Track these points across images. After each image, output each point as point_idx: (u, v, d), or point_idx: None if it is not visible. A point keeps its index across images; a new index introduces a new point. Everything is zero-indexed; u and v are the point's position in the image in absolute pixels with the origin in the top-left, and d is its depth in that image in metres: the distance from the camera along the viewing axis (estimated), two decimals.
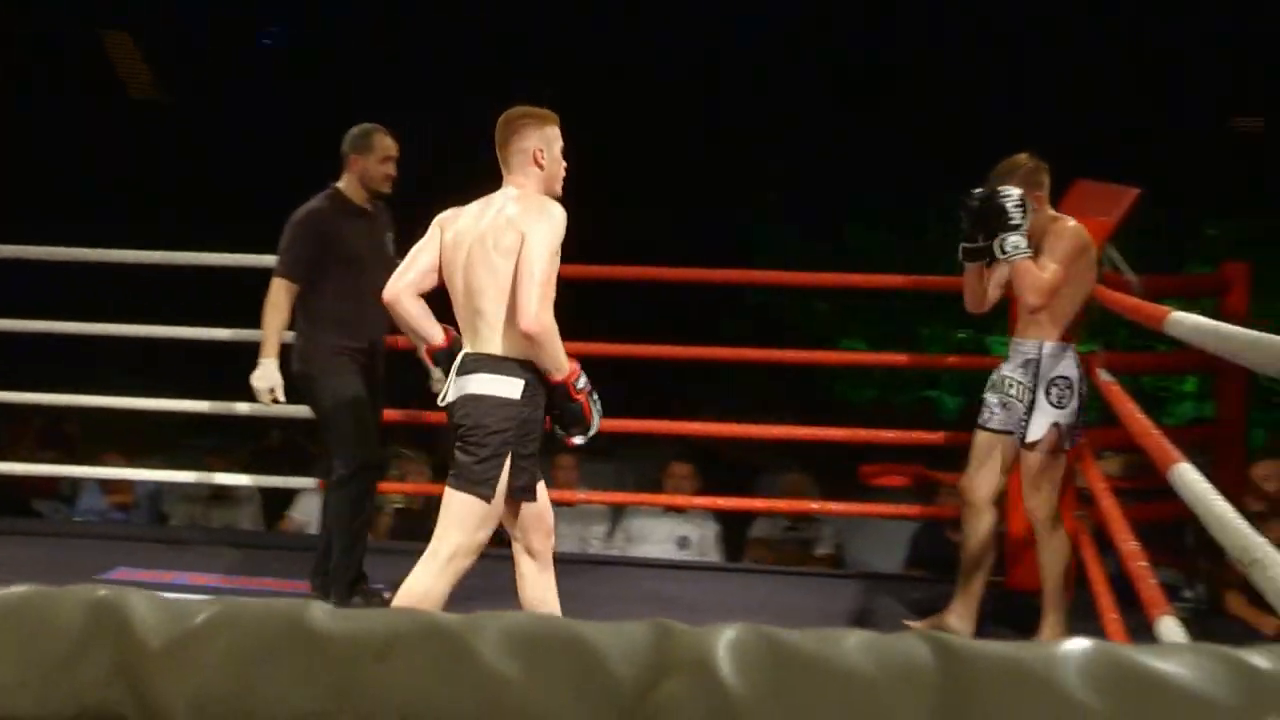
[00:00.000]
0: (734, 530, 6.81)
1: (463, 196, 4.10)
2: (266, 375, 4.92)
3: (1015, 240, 4.44)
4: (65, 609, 0.57)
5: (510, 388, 3.85)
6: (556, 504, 6.70)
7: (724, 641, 0.60)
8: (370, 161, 5.03)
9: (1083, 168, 5.64)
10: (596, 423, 4.02)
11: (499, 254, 3.84)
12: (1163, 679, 0.60)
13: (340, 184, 5.09)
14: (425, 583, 3.89)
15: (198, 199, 12.92)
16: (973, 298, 4.90)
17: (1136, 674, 0.60)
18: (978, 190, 4.64)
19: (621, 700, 0.57)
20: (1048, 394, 4.62)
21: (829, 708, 0.58)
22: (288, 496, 7.05)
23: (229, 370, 8.67)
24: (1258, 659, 0.61)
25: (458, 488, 3.89)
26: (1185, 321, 3.08)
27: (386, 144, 5.06)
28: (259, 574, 5.67)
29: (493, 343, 3.87)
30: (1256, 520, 4.97)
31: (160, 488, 7.43)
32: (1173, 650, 0.62)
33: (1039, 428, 4.63)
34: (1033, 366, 4.67)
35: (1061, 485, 5.07)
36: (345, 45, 13.97)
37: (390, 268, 5.22)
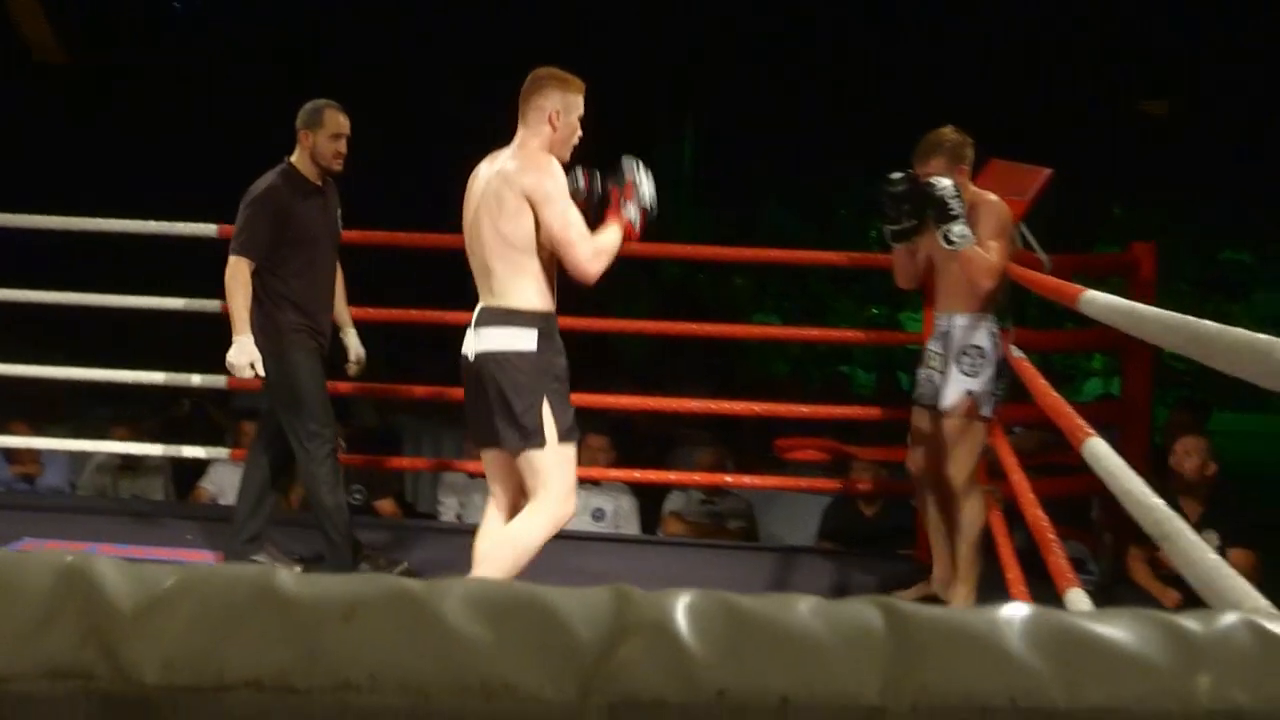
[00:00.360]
0: (649, 503, 6.84)
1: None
2: (245, 350, 4.83)
3: (960, 230, 4.58)
4: (33, 574, 0.57)
5: (525, 339, 3.99)
6: (471, 476, 6.73)
7: (681, 606, 0.61)
8: (320, 137, 4.96)
9: (993, 150, 5.73)
10: (650, 198, 4.14)
11: (501, 215, 3.98)
12: (1101, 642, 0.62)
13: (293, 159, 5.02)
14: (522, 530, 4.05)
15: (104, 164, 12.71)
16: (904, 275, 5.10)
17: (1077, 637, 0.62)
18: (896, 175, 4.75)
19: (583, 662, 0.58)
20: (959, 363, 4.76)
21: (784, 669, 0.60)
22: (198, 467, 6.98)
23: (136, 338, 8.56)
24: (1190, 623, 0.64)
25: (516, 451, 4.05)
26: (1097, 300, 3.14)
27: (338, 121, 5.00)
28: (171, 544, 5.61)
29: (504, 297, 4.01)
30: (1178, 494, 5.13)
31: (70, 458, 7.33)
32: (1111, 615, 0.64)
33: (951, 395, 4.78)
34: (947, 338, 4.81)
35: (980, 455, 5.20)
36: (260, 12, 13.77)
37: (339, 245, 5.21)
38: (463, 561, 4.15)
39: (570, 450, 4.10)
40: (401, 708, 0.56)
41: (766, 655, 0.59)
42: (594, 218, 4.13)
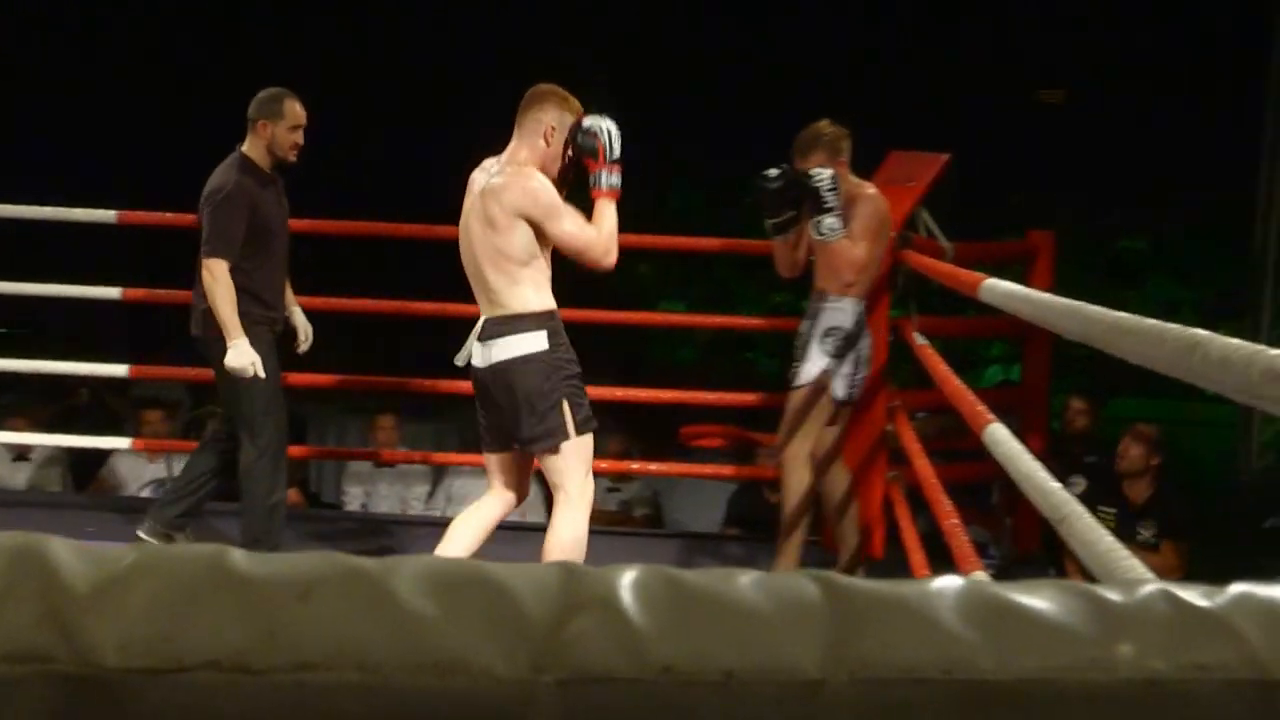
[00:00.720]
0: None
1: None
2: (244, 353, 4.72)
3: (831, 223, 4.73)
4: None
5: (536, 341, 4.10)
6: (376, 465, 6.71)
7: (627, 581, 0.63)
8: (280, 128, 4.84)
9: (889, 138, 5.83)
10: (619, 146, 4.16)
11: (494, 232, 4.07)
12: (1029, 613, 0.65)
13: (246, 149, 4.88)
14: (566, 528, 4.16)
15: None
16: (785, 264, 5.24)
17: (1004, 608, 0.65)
18: (772, 171, 4.87)
19: (533, 638, 0.60)
20: (822, 343, 4.90)
21: (727, 644, 0.62)
22: (96, 457, 6.86)
23: (34, 326, 8.39)
24: (1111, 594, 0.67)
25: (540, 451, 4.17)
26: (998, 288, 3.20)
27: (297, 111, 4.88)
28: (70, 536, 5.49)
29: (505, 305, 4.10)
30: (1124, 480, 5.29)
31: None
32: (1037, 586, 0.67)
33: (807, 373, 4.94)
34: (815, 318, 4.95)
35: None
36: None
37: (288, 235, 5.15)
38: (369, 550, 4.14)
39: (588, 439, 4.21)
40: (358, 685, 0.58)
41: (711, 630, 0.61)
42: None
